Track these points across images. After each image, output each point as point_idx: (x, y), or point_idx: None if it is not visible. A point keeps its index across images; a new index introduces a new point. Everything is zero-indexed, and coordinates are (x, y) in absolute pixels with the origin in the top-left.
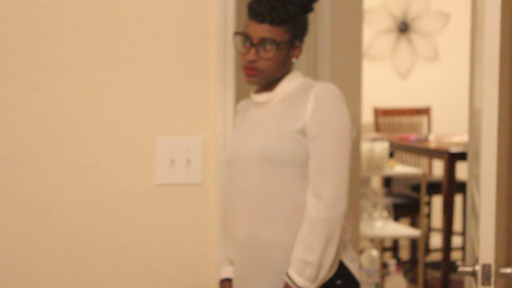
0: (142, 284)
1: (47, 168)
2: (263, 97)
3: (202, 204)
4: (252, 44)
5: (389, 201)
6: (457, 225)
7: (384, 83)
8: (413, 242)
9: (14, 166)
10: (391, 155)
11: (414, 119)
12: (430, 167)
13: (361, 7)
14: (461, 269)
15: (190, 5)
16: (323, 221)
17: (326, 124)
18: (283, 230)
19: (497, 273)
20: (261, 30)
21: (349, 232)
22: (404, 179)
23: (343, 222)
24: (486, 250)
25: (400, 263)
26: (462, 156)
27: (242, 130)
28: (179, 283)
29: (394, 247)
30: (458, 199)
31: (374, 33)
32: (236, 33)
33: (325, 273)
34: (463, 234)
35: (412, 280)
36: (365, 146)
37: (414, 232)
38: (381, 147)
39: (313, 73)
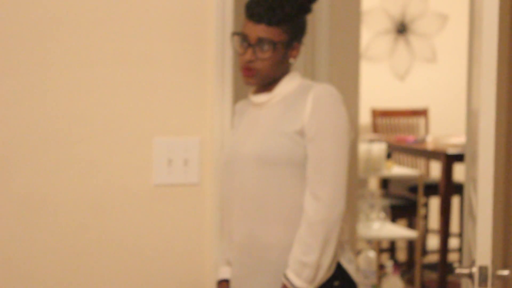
0: (139, 284)
1: (44, 168)
2: (262, 98)
3: (200, 204)
4: (249, 44)
5: (386, 202)
6: (454, 227)
7: (382, 84)
8: (410, 244)
9: (11, 165)
10: (389, 156)
11: (412, 120)
12: (427, 168)
13: (359, 8)
14: (458, 271)
15: (188, 5)
16: (321, 222)
17: (325, 125)
18: (280, 230)
19: (494, 275)
20: (258, 30)
21: (347, 233)
22: (402, 181)
23: (341, 223)
24: (483, 252)
25: (397, 265)
26: (459, 157)
27: (240, 130)
28: (176, 283)
29: (391, 248)
30: (455, 200)
31: (372, 34)
32: (233, 33)
33: (323, 274)
34: (460, 235)
35: (409, 281)
36: (362, 147)
37: (411, 234)
38: (379, 148)
39: (311, 74)
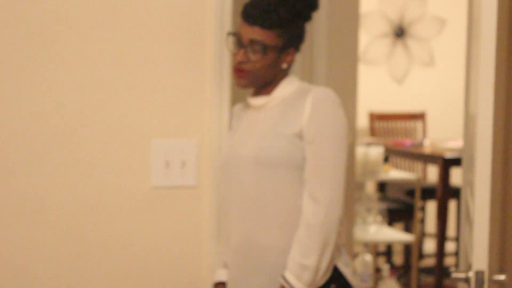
0: (137, 285)
1: (43, 169)
2: (260, 100)
3: (197, 206)
4: (242, 46)
5: (383, 206)
6: (451, 231)
7: (380, 87)
8: (407, 247)
9: (10, 166)
10: (386, 160)
11: (409, 124)
12: (424, 172)
13: (357, 11)
14: (454, 275)
15: (187, 7)
16: (320, 225)
17: (324, 128)
18: (277, 233)
19: (490, 280)
20: (251, 32)
21: (343, 236)
22: (399, 184)
23: (339, 226)
24: (479, 257)
25: (393, 268)
26: (456, 161)
27: (238, 133)
28: (173, 285)
29: (388, 252)
30: (452, 204)
31: (370, 38)
32: (229, 33)
33: (320, 277)
34: (457, 239)
35: (406, 285)
36: (360, 151)
37: (407, 237)
38: (376, 151)
39: (308, 77)
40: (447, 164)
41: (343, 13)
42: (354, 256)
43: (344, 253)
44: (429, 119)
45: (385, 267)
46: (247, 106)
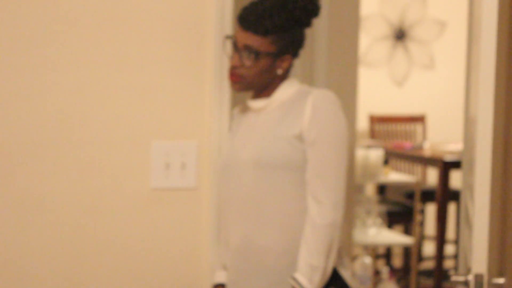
0: (135, 287)
1: (42, 170)
2: (260, 103)
3: (197, 208)
4: (237, 50)
5: (382, 208)
6: (450, 234)
7: (380, 90)
8: (406, 250)
9: (10, 167)
10: (386, 162)
11: (409, 126)
12: (424, 175)
13: (357, 13)
14: (453, 278)
15: (187, 8)
16: (327, 226)
17: (325, 130)
18: (277, 234)
19: (490, 283)
20: (245, 38)
21: (342, 239)
22: (398, 187)
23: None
24: (479, 260)
25: (392, 271)
26: (456, 164)
27: (238, 135)
28: (172, 287)
29: (387, 254)
30: (451, 207)
31: (370, 40)
32: (226, 36)
33: (326, 278)
34: (456, 242)
35: (405, 287)
36: (360, 153)
37: (407, 240)
38: (376, 154)
39: (309, 79)
40: (447, 167)
41: (344, 15)
42: (353, 258)
43: (343, 255)
44: (429, 121)
45: (384, 270)
46: (247, 108)
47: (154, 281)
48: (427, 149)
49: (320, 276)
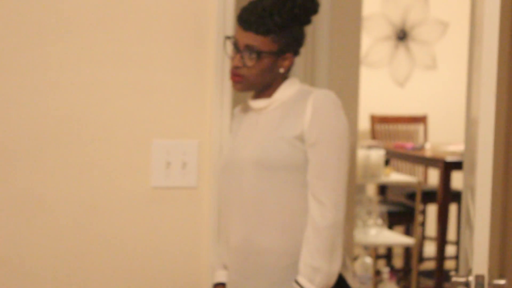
0: (136, 286)
1: (43, 169)
2: (261, 103)
3: (197, 207)
4: (238, 50)
5: (383, 208)
6: (451, 234)
7: (381, 90)
8: (407, 250)
9: (10, 165)
10: (387, 162)
11: (411, 127)
12: (425, 175)
13: (359, 13)
14: (454, 279)
15: (189, 7)
16: (328, 227)
17: (326, 131)
18: (277, 235)
19: (491, 285)
20: (246, 37)
21: (343, 239)
22: (399, 187)
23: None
24: (479, 261)
25: (393, 271)
26: (457, 165)
27: (238, 135)
28: (173, 286)
29: (388, 255)
30: (453, 208)
31: (372, 40)
32: (227, 37)
33: (332, 281)
34: (457, 243)
35: None
36: (361, 154)
37: (408, 241)
38: (377, 154)
39: (310, 79)
40: (448, 167)
41: (346, 15)
42: (354, 258)
43: (343, 255)
44: (431, 122)
45: (385, 270)
46: (248, 108)
47: (154, 280)
48: (428, 150)
49: (323, 278)
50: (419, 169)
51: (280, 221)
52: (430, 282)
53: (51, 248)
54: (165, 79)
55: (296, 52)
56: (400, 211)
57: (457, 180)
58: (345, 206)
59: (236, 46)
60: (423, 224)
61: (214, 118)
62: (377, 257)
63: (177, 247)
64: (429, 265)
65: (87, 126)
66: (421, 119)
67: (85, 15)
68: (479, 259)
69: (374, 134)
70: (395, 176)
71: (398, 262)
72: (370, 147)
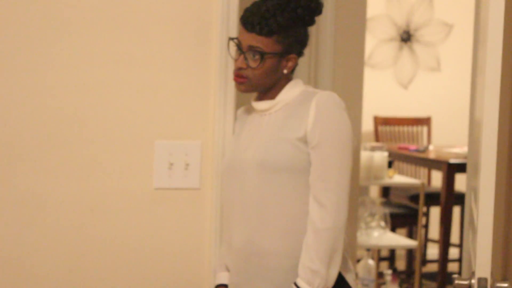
0: (138, 287)
1: (45, 169)
2: (264, 105)
3: (200, 209)
4: (241, 51)
5: (386, 210)
6: (454, 237)
7: (385, 92)
8: (410, 253)
9: (11, 166)
10: (390, 164)
11: (414, 129)
12: (429, 177)
13: (364, 15)
14: (457, 282)
15: (192, 9)
16: (328, 230)
17: (328, 133)
18: (279, 237)
19: (493, 287)
20: (250, 39)
21: (346, 242)
22: (403, 189)
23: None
24: (482, 264)
25: (396, 273)
26: (461, 167)
27: (241, 137)
28: (174, 287)
29: (391, 257)
30: (456, 210)
31: (376, 42)
32: (230, 38)
33: (331, 284)
34: (460, 245)
35: None
36: (364, 155)
37: (411, 243)
38: (380, 156)
39: (314, 80)
40: (451, 169)
41: (350, 16)
42: (357, 260)
43: (346, 258)
44: (434, 124)
45: (387, 272)
46: (251, 110)
47: (156, 281)
48: (432, 152)
49: (322, 281)
50: (423, 171)
51: (283, 223)
52: (433, 285)
53: (53, 248)
54: (168, 79)
55: (299, 53)
56: (403, 213)
57: (460, 182)
58: (347, 209)
59: (239, 47)
60: (426, 226)
61: (217, 119)
62: (380, 259)
63: (179, 248)
64: (432, 267)
65: (89, 127)
66: (424, 121)
67: (88, 15)
68: (482, 261)
69: (377, 136)
70: (398, 178)
71: (401, 264)
72: (373, 148)
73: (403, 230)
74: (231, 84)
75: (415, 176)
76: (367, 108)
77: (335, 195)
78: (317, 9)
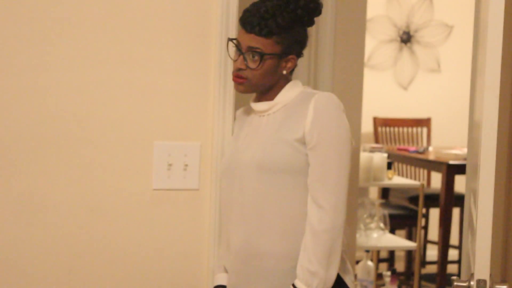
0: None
1: (44, 170)
2: (263, 106)
3: (199, 209)
4: (240, 52)
5: (386, 212)
6: (454, 238)
7: (385, 93)
8: (409, 254)
9: (11, 167)
10: (390, 165)
11: (414, 130)
12: (428, 179)
13: (364, 15)
14: (456, 283)
15: (192, 10)
16: (326, 231)
17: (326, 134)
18: (277, 239)
19: None
20: (249, 40)
21: (345, 243)
22: (402, 191)
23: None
24: (481, 266)
25: (395, 275)
26: (461, 168)
27: (240, 138)
28: None
29: (390, 258)
30: (455, 212)
31: (376, 43)
32: (229, 39)
33: (331, 285)
34: (460, 247)
35: None
36: (363, 156)
37: (410, 244)
38: (380, 157)
39: (313, 81)
40: (451, 171)
41: (350, 17)
42: (356, 262)
43: (345, 260)
44: (434, 125)
45: (387, 274)
46: (250, 111)
47: (155, 282)
48: (432, 153)
49: (320, 282)
50: (422, 172)
51: (281, 224)
52: (432, 286)
53: (53, 249)
54: (167, 80)
55: (299, 54)
56: (403, 214)
57: (460, 183)
58: (345, 210)
59: (238, 48)
60: (425, 227)
61: (216, 120)
62: (379, 260)
63: (178, 249)
64: (431, 269)
65: (88, 127)
66: (424, 122)
67: (88, 16)
68: (481, 263)
69: (377, 137)
70: (398, 179)
71: (400, 266)
72: (373, 150)
73: (403, 232)
74: (230, 85)
75: (414, 177)
76: (366, 109)
77: (333, 196)
78: (316, 10)
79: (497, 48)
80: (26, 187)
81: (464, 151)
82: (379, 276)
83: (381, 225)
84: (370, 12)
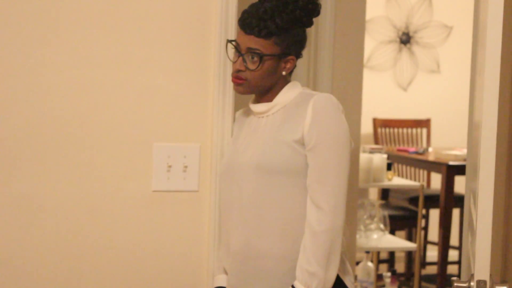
0: None
1: (43, 172)
2: (262, 107)
3: (198, 211)
4: (240, 54)
5: (386, 213)
6: (454, 239)
7: (384, 93)
8: (409, 255)
9: (10, 169)
10: (389, 166)
11: (414, 131)
12: (428, 179)
13: (363, 16)
14: (456, 284)
15: (191, 11)
16: (325, 232)
17: (325, 135)
18: (277, 240)
19: None
20: (248, 41)
21: (345, 244)
22: (402, 191)
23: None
24: (481, 267)
25: (395, 276)
26: (460, 169)
27: (239, 139)
28: None
29: (390, 259)
30: (455, 212)
31: (376, 43)
32: (228, 41)
33: (330, 286)
34: (460, 248)
35: None
36: (363, 157)
37: (410, 245)
38: (380, 158)
39: (313, 82)
40: (451, 171)
41: (349, 18)
42: (356, 263)
43: (345, 261)
44: (434, 126)
45: (387, 275)
46: (249, 112)
47: (154, 284)
48: (431, 154)
49: (319, 284)
50: (422, 173)
51: (280, 225)
52: (432, 287)
53: (52, 251)
54: (167, 82)
55: (298, 55)
56: (403, 215)
57: (460, 184)
58: (345, 211)
59: (238, 49)
60: (425, 228)
61: (215, 122)
62: (379, 261)
63: (178, 250)
64: (432, 269)
65: (88, 129)
66: (424, 123)
67: (87, 17)
68: (481, 264)
69: (376, 138)
70: (398, 180)
71: (400, 267)
72: (372, 150)
73: (403, 233)
74: (230, 86)
75: (414, 178)
76: (366, 110)
77: (332, 197)
78: (315, 11)
79: (496, 48)
80: (26, 189)
81: (464, 151)
82: (379, 277)
83: (381, 226)
84: (370, 13)
